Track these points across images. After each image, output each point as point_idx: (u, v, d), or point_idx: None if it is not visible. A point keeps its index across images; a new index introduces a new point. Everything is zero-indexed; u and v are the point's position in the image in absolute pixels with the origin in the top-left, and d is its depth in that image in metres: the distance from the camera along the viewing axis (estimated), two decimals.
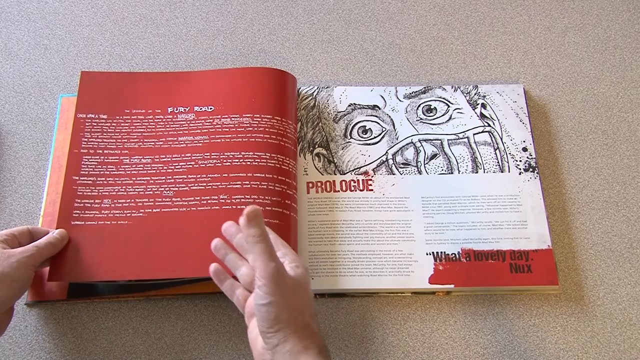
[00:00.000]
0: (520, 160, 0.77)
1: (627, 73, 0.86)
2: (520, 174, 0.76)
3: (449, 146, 0.78)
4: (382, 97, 0.82)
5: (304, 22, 0.89)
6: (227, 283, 0.61)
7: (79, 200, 0.71)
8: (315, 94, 0.82)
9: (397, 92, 0.82)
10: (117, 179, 0.73)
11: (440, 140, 0.79)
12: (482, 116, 0.80)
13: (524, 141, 0.78)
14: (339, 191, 0.76)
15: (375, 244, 0.72)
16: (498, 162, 0.77)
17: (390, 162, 0.78)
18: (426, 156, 0.78)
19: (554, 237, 0.74)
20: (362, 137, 0.79)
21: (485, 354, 0.68)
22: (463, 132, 0.79)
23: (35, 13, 0.89)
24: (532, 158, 0.77)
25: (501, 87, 0.82)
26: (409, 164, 0.77)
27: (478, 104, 0.81)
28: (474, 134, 0.79)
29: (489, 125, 0.80)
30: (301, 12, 0.90)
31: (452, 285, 0.70)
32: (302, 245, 0.72)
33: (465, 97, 0.81)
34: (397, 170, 0.77)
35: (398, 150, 0.78)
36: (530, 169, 0.77)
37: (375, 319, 0.70)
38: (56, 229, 0.68)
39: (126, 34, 0.88)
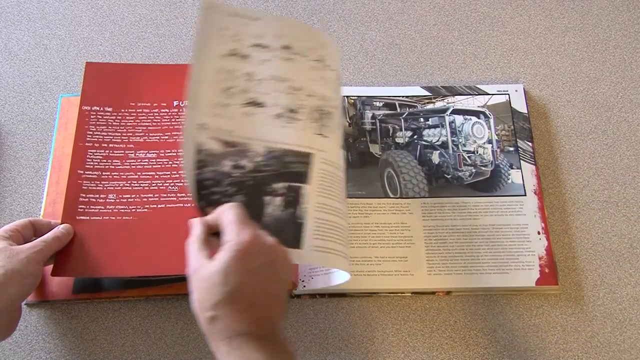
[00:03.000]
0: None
1: (627, 73, 0.86)
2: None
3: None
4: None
5: (304, 22, 0.89)
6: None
7: (84, 195, 0.71)
8: None
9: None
10: (123, 173, 0.72)
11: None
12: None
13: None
14: None
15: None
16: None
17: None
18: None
19: (554, 237, 0.74)
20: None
21: (485, 354, 0.68)
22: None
23: (35, 13, 0.89)
24: (532, 158, 0.77)
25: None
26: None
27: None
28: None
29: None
30: (301, 12, 0.90)
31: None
32: None
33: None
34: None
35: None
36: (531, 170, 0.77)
37: (375, 319, 0.70)
38: (61, 223, 0.68)
39: (126, 34, 0.88)
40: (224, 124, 0.61)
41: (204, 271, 0.50)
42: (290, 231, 0.60)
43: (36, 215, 0.74)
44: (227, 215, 0.53)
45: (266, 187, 0.61)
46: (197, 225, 0.55)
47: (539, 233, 0.73)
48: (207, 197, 0.59)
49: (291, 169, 0.62)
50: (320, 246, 0.61)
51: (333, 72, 0.67)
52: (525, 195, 0.75)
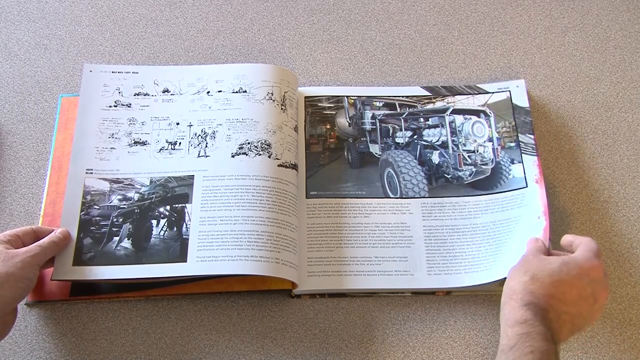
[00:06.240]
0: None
1: (627, 73, 0.86)
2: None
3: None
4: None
5: (304, 22, 0.89)
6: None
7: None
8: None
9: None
10: None
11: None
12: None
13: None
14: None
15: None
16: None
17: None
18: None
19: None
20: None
21: (485, 354, 0.68)
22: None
23: (35, 13, 0.89)
24: (534, 150, 0.77)
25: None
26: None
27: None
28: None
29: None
30: (301, 12, 0.90)
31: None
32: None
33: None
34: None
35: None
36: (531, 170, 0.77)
37: (375, 319, 0.70)
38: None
39: (126, 33, 0.88)
40: (110, 165, 0.73)
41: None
42: (176, 248, 0.68)
43: (36, 215, 0.74)
44: (588, 243, 0.62)
45: (152, 212, 0.71)
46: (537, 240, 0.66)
47: (538, 218, 0.71)
48: (95, 231, 0.69)
49: (175, 192, 0.71)
50: (205, 256, 0.67)
51: (219, 93, 0.77)
52: (526, 186, 0.75)
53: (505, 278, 0.63)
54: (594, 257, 0.59)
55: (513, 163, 0.77)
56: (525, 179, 0.75)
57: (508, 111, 0.80)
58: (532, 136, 0.78)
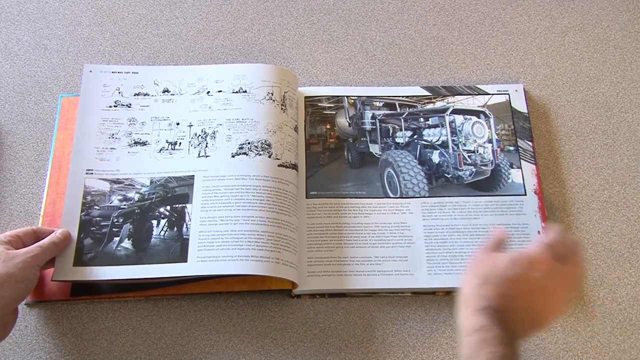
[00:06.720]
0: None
1: (627, 73, 0.86)
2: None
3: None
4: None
5: (304, 22, 0.89)
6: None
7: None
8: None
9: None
10: None
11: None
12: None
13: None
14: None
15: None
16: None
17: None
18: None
19: None
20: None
21: None
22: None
23: (35, 13, 0.89)
24: (532, 158, 0.77)
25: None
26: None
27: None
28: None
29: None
30: (301, 12, 0.90)
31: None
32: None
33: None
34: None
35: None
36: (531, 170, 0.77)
37: (375, 319, 0.70)
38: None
39: (126, 34, 0.88)
40: (110, 166, 0.72)
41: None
42: (176, 248, 0.68)
43: (36, 215, 0.74)
44: (545, 236, 0.58)
45: (152, 212, 0.71)
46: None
47: (539, 233, 0.73)
48: (95, 232, 0.69)
49: (175, 192, 0.71)
50: (205, 256, 0.67)
51: (219, 93, 0.76)
52: (525, 194, 0.75)
53: None
54: (544, 248, 0.56)
55: (512, 167, 0.77)
56: (524, 187, 0.75)
57: (507, 114, 0.80)
58: (530, 143, 0.78)
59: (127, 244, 0.69)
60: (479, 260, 0.58)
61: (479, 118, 0.80)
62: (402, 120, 0.81)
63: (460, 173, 0.77)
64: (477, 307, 0.53)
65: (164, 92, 0.77)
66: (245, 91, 0.77)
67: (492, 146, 0.78)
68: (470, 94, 0.82)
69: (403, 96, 0.82)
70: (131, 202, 0.71)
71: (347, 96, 0.82)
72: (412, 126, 0.80)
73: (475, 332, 0.52)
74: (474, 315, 0.53)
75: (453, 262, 0.71)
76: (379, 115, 0.81)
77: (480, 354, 0.50)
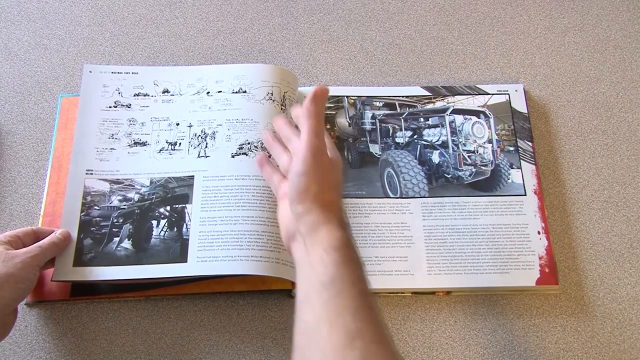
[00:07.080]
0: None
1: (627, 73, 0.86)
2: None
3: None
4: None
5: (304, 22, 0.89)
6: (267, 167, 0.64)
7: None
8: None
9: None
10: None
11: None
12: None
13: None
14: None
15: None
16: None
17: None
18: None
19: (554, 237, 0.74)
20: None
21: (485, 354, 0.68)
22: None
23: (35, 13, 0.89)
24: (532, 158, 0.77)
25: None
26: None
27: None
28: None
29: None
30: (301, 12, 0.90)
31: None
32: None
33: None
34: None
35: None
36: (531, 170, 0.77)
37: None
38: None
39: (126, 34, 0.88)
40: (110, 166, 0.73)
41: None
42: (176, 248, 0.68)
43: (36, 215, 0.74)
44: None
45: (152, 212, 0.71)
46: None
47: (539, 233, 0.73)
48: (95, 232, 0.69)
49: (175, 193, 0.72)
50: (205, 256, 0.67)
51: (219, 93, 0.76)
52: (525, 195, 0.75)
53: (503, 286, 0.63)
54: (308, 145, 0.55)
55: (512, 168, 0.77)
56: (524, 187, 0.75)
57: (507, 114, 0.80)
58: (530, 144, 0.78)
59: (127, 244, 0.69)
60: (279, 203, 0.60)
61: (479, 118, 0.80)
62: (402, 120, 0.81)
63: (460, 173, 0.77)
64: (306, 232, 0.54)
65: (163, 92, 0.78)
66: (245, 91, 0.77)
67: (492, 146, 0.78)
68: (470, 94, 0.82)
69: (403, 96, 0.82)
70: (131, 202, 0.71)
71: (347, 96, 0.82)
72: (412, 126, 0.80)
73: (335, 250, 0.52)
74: (310, 242, 0.53)
75: (453, 262, 0.71)
76: (379, 115, 0.81)
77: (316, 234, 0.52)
